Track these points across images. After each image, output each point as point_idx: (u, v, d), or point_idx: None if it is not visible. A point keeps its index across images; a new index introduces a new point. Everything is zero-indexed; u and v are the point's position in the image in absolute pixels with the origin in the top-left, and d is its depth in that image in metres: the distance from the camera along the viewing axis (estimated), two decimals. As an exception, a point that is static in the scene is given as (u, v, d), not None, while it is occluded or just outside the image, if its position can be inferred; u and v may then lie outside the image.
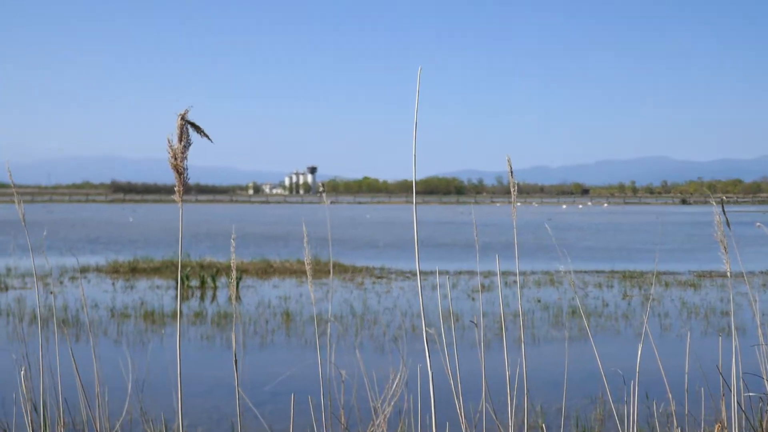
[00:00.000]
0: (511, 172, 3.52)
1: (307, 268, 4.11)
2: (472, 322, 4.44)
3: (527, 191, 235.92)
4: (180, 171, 3.08)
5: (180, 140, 3.05)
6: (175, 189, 3.13)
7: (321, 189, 5.09)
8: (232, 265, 3.43)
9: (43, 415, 5.94)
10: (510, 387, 4.33)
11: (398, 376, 5.09)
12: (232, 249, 3.51)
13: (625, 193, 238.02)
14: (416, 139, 3.15)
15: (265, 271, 25.30)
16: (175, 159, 3.06)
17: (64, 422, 5.09)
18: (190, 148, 3.07)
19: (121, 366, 5.29)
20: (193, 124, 3.04)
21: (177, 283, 21.63)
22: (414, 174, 3.17)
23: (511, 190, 3.56)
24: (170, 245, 36.56)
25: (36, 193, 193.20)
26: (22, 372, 5.74)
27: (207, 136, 3.07)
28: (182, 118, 3.02)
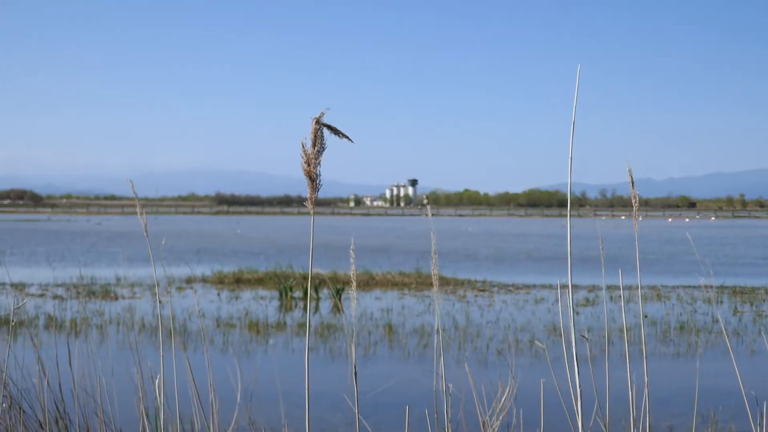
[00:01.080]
0: (632, 182, 3.41)
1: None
2: (583, 336, 4.31)
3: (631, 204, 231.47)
4: (312, 177, 3.00)
5: (314, 145, 2.97)
6: (308, 197, 3.06)
7: (425, 201, 5.03)
8: (352, 277, 3.39)
9: (156, 422, 6.05)
10: (619, 403, 4.22)
11: (507, 390, 5.02)
12: (351, 260, 3.49)
13: (734, 206, 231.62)
14: (571, 143, 3.11)
15: (367, 283, 25.39)
16: (308, 164, 2.98)
17: (179, 430, 5.17)
18: (323, 153, 2.99)
19: (230, 375, 5.34)
20: (330, 127, 2.96)
21: (281, 293, 21.91)
22: (570, 182, 3.08)
23: (633, 201, 3.44)
24: (273, 256, 37.04)
25: (143, 205, 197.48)
26: (137, 380, 5.86)
27: (347, 137, 2.97)
28: (317, 122, 2.94)
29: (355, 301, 3.44)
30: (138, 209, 4.21)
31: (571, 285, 3.49)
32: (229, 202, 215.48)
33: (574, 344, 3.59)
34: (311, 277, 3.24)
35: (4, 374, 5.47)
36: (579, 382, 3.75)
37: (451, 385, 5.29)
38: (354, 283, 3.46)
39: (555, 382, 4.62)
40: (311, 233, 3.25)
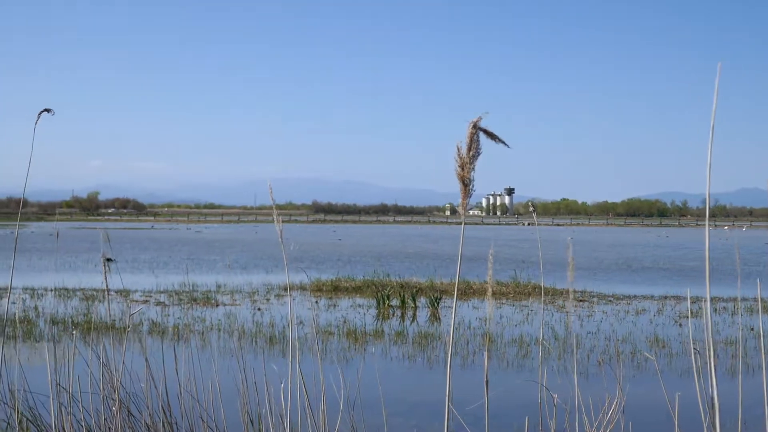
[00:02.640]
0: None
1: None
2: (696, 350, 4.17)
3: (735, 214, 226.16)
4: (466, 182, 2.98)
5: (470, 149, 2.93)
6: (459, 202, 3.05)
7: (531, 209, 4.94)
8: (489, 285, 3.34)
9: (260, 428, 6.10)
10: (724, 417, 4.08)
11: (615, 402, 4.91)
12: (489, 266, 3.45)
13: None
14: (710, 150, 2.97)
15: (465, 292, 25.26)
16: (462, 169, 2.95)
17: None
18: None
19: (333, 382, 5.34)
20: (486, 132, 2.92)
21: (378, 301, 21.93)
22: (708, 191, 2.98)
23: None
24: (369, 264, 37.18)
25: (242, 214, 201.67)
26: (241, 386, 5.92)
27: (503, 142, 2.93)
28: (474, 126, 2.90)
29: (493, 311, 3.39)
30: (275, 218, 4.23)
31: (709, 297, 3.36)
32: (326, 211, 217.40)
33: (712, 357, 3.47)
34: (457, 286, 3.21)
35: (115, 379, 5.58)
36: (717, 395, 3.62)
37: (556, 396, 5.20)
38: (490, 292, 3.42)
39: (665, 396, 4.50)
40: (461, 240, 3.22)
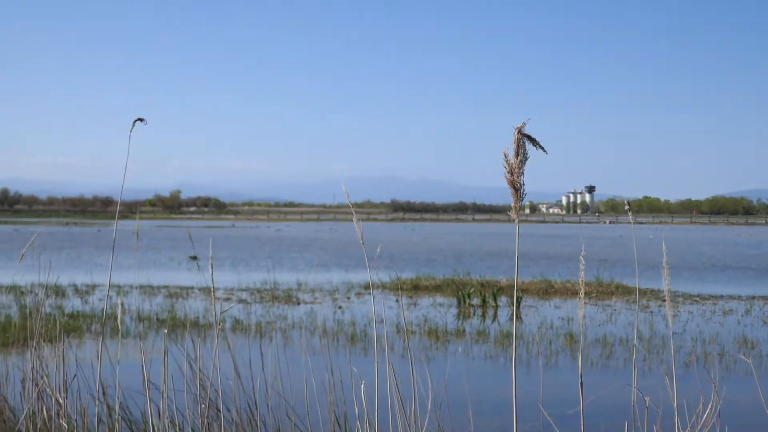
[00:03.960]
0: None
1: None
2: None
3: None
4: (516, 187, 3.02)
5: (517, 155, 2.99)
6: (512, 207, 3.08)
7: (627, 207, 4.86)
8: (581, 285, 3.29)
9: (345, 426, 6.10)
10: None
11: (710, 405, 4.78)
12: (581, 267, 3.39)
13: None
14: None
15: (546, 291, 25.02)
16: (512, 174, 3.01)
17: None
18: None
19: (419, 382, 5.31)
20: (529, 137, 2.94)
21: (459, 300, 21.84)
22: None
23: None
24: (449, 263, 37.08)
25: (321, 212, 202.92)
26: (327, 384, 5.92)
27: (542, 149, 2.96)
28: (519, 132, 2.94)
29: (577, 311, 3.33)
30: (354, 217, 4.25)
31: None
32: (404, 209, 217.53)
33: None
34: (514, 286, 3.15)
35: (205, 376, 5.63)
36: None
37: (648, 399, 5.09)
38: (582, 292, 3.36)
39: (762, 398, 4.36)
40: (516, 242, 3.20)
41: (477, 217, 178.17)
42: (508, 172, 2.99)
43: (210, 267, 5.01)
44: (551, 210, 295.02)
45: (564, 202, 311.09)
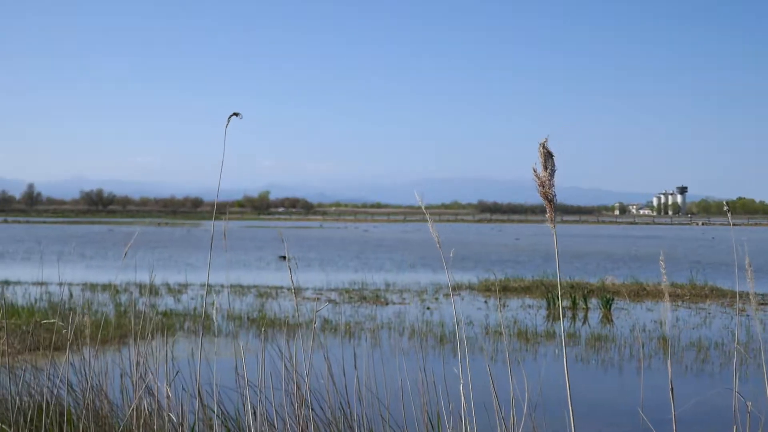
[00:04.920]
0: None
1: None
2: None
3: None
4: (549, 198, 3.18)
5: (545, 168, 3.14)
6: (547, 212, 3.27)
7: (726, 208, 4.73)
8: (663, 287, 3.23)
9: (438, 427, 6.07)
10: None
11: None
12: (662, 269, 3.32)
13: None
14: None
15: (638, 293, 24.59)
16: (543, 187, 3.16)
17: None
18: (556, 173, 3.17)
19: (514, 384, 5.25)
20: (549, 152, 3.12)
21: (548, 302, 21.62)
22: None
23: None
24: (539, 265, 36.75)
25: (408, 213, 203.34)
26: (420, 385, 5.90)
27: (553, 165, 3.15)
28: (543, 147, 3.10)
29: (668, 314, 3.25)
30: (429, 220, 4.25)
31: None
32: (491, 210, 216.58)
33: None
34: (559, 284, 3.09)
35: (299, 375, 5.66)
36: None
37: (750, 404, 4.95)
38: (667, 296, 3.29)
39: None
40: (555, 249, 3.24)
41: (565, 218, 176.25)
42: (539, 185, 3.15)
43: (289, 267, 5.02)
44: (641, 211, 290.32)
45: (655, 203, 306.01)
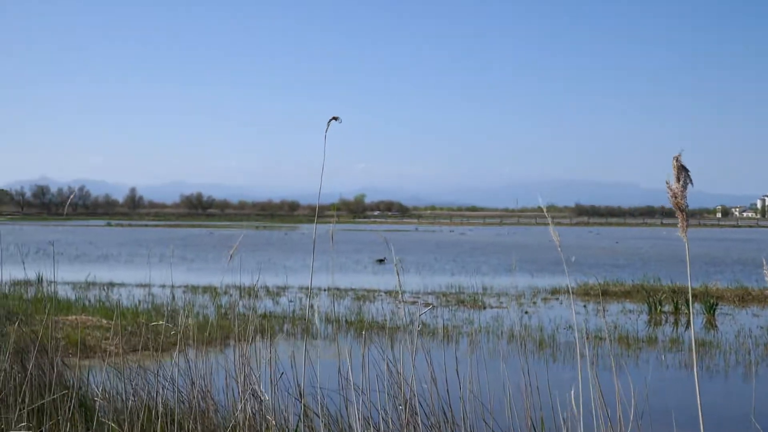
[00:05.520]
0: None
1: None
2: None
3: None
4: (681, 208, 3.43)
5: (678, 180, 3.37)
6: (678, 220, 3.49)
7: None
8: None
9: (542, 430, 5.99)
10: None
11: None
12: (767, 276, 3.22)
13: None
14: None
15: (742, 298, 23.94)
16: (675, 198, 3.40)
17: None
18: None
19: (614, 389, 5.15)
20: (683, 167, 3.36)
21: (650, 307, 21.21)
22: None
23: None
24: (638, 269, 36.09)
25: (504, 216, 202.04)
26: (523, 389, 5.83)
27: (690, 179, 3.39)
28: (677, 160, 3.33)
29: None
30: (550, 223, 4.22)
31: None
32: (588, 213, 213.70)
33: None
34: (690, 295, 3.01)
35: (402, 378, 5.65)
36: None
37: None
38: None
39: None
40: (687, 260, 3.25)
41: (665, 221, 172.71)
42: (671, 196, 3.40)
43: (396, 271, 5.01)
44: (744, 214, 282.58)
45: (759, 205, 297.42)
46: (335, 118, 5.30)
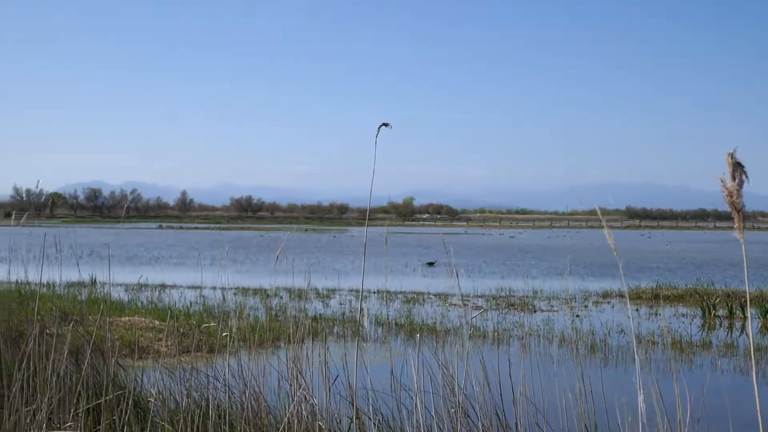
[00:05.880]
0: None
1: None
2: None
3: None
4: (737, 208, 3.29)
5: (733, 178, 3.24)
6: (732, 222, 3.37)
7: None
8: None
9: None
10: None
11: None
12: None
13: None
14: None
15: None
16: (731, 197, 3.27)
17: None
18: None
19: (668, 395, 5.07)
20: (738, 163, 3.23)
21: (703, 311, 20.94)
22: None
23: None
24: (691, 272, 35.67)
25: (554, 219, 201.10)
26: (578, 394, 5.78)
27: (745, 174, 3.26)
28: (731, 157, 3.22)
29: None
30: (605, 227, 4.17)
31: None
32: (640, 216, 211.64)
33: None
34: (748, 299, 2.95)
35: (454, 380, 5.63)
36: None
37: None
38: None
39: None
40: (744, 259, 3.13)
41: (718, 224, 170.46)
42: (727, 195, 3.27)
43: (456, 274, 4.99)
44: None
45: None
46: (385, 125, 5.33)
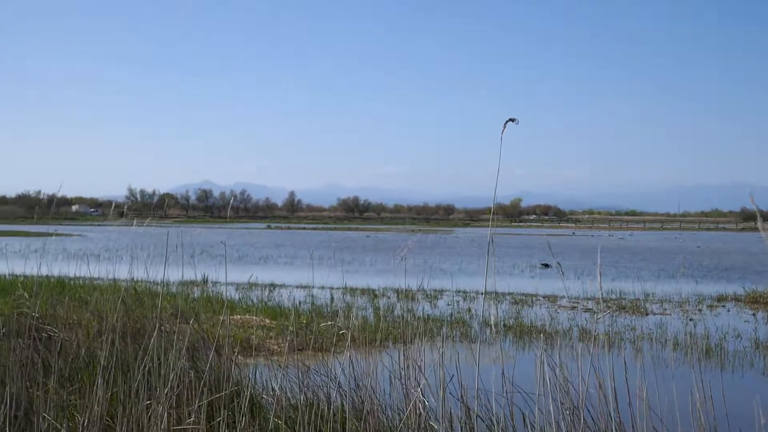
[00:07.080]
0: None
1: None
2: None
3: None
4: None
5: None
6: None
7: None
8: None
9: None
10: None
11: None
12: None
13: None
14: None
15: None
16: None
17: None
18: None
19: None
20: None
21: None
22: None
23: None
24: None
25: (665, 221, 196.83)
26: (697, 399, 5.64)
27: None
28: None
29: None
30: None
31: None
32: (755, 218, 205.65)
33: None
34: None
35: (569, 383, 5.57)
36: None
37: None
38: None
39: None
40: None
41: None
42: None
43: (599, 273, 4.92)
44: None
45: None
46: (512, 120, 5.23)
